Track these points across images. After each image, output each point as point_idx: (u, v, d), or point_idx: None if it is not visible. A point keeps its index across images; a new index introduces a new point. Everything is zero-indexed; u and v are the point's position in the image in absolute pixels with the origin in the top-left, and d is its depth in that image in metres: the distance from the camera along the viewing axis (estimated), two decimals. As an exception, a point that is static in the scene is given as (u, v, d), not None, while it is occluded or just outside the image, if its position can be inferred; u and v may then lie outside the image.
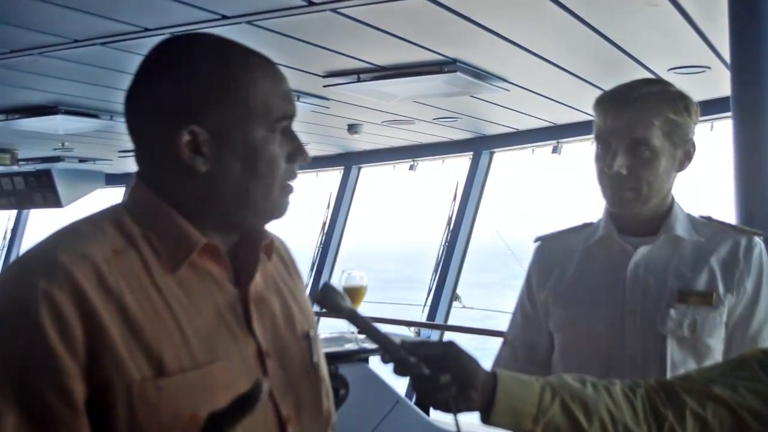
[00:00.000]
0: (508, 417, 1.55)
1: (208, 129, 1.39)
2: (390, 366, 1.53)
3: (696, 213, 2.30)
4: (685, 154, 2.20)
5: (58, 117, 6.18)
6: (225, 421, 1.18)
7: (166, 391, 1.30)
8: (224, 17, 3.86)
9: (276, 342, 1.48)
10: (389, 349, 1.50)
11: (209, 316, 1.39)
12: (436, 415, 3.76)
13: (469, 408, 1.54)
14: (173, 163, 1.40)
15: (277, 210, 1.48)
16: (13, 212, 12.34)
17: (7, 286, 1.31)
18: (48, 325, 1.24)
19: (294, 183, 1.50)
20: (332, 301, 1.48)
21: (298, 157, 1.47)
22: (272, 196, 1.45)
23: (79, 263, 1.30)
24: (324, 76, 5.32)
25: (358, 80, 5.25)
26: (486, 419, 1.56)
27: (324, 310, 1.53)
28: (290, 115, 1.46)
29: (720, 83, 4.93)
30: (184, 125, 1.38)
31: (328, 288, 1.49)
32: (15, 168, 9.56)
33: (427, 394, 1.51)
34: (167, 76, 1.42)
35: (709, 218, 2.28)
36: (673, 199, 2.25)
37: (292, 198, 1.50)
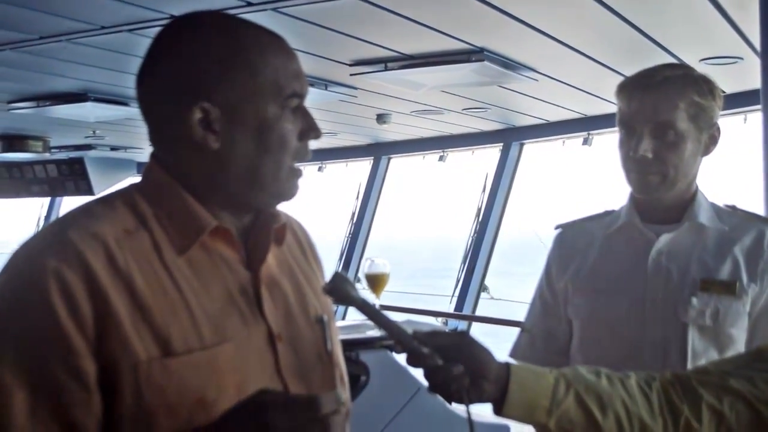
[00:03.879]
0: (522, 409, 1.53)
1: (219, 106, 1.39)
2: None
3: (721, 202, 2.26)
4: (710, 138, 2.17)
5: (88, 104, 6.22)
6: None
7: (173, 371, 1.30)
8: (249, 4, 3.85)
9: (288, 326, 1.47)
10: (401, 340, 1.48)
11: (219, 297, 1.39)
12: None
13: (482, 399, 1.52)
14: (185, 142, 1.40)
15: (286, 191, 1.47)
16: (46, 200, 12.46)
17: (19, 265, 1.32)
18: (58, 304, 1.24)
19: (303, 166, 1.48)
20: (342, 290, 1.45)
21: (310, 133, 1.46)
22: (282, 174, 1.44)
23: (90, 242, 1.30)
24: (351, 65, 5.29)
25: (386, 69, 5.22)
26: (499, 411, 1.54)
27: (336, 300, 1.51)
28: (301, 93, 1.45)
29: (753, 75, 4.84)
30: (196, 102, 1.38)
31: (339, 277, 1.46)
32: (48, 156, 9.64)
33: (439, 385, 1.49)
34: (178, 55, 1.42)
35: (733, 207, 2.24)
36: (697, 187, 2.21)
37: (301, 182, 1.49)
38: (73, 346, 1.25)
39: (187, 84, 1.40)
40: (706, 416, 1.55)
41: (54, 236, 1.34)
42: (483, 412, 1.55)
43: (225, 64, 1.39)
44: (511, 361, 1.62)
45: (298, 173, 1.47)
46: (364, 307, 1.47)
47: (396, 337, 1.48)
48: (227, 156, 1.41)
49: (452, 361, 1.47)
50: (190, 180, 1.43)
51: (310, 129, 1.46)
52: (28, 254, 1.33)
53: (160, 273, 1.35)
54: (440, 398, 1.52)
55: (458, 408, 3.83)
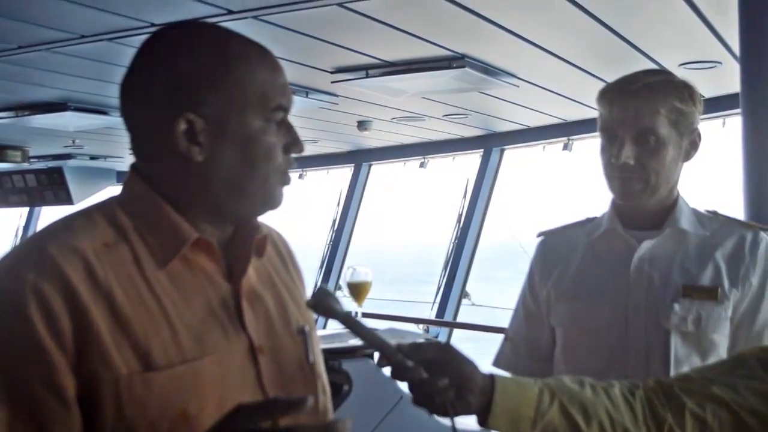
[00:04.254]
0: (506, 420, 1.52)
1: (204, 118, 1.37)
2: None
3: (702, 208, 2.27)
4: (691, 144, 2.18)
5: (68, 114, 6.19)
6: (254, 417, 1.18)
7: (154, 385, 1.29)
8: (230, 12, 3.84)
9: (270, 338, 1.46)
10: (386, 353, 1.48)
11: (200, 310, 1.38)
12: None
13: (467, 411, 1.52)
14: (169, 154, 1.39)
15: (272, 201, 1.46)
16: (25, 210, 12.38)
17: None
18: (37, 319, 1.23)
19: (290, 174, 1.48)
20: (326, 305, 1.45)
21: (293, 148, 1.46)
22: (268, 186, 1.43)
23: (69, 257, 1.29)
24: (332, 72, 5.29)
25: (367, 76, 5.22)
26: (484, 422, 1.54)
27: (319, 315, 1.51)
28: (286, 107, 1.45)
29: (732, 79, 4.86)
30: (181, 114, 1.37)
31: (323, 292, 1.46)
32: (26, 165, 9.58)
33: (424, 398, 1.49)
34: (164, 65, 1.40)
35: (714, 213, 2.25)
36: (678, 193, 2.22)
37: (286, 190, 1.48)
38: (52, 362, 1.23)
39: (172, 95, 1.38)
40: (690, 424, 1.55)
41: (32, 251, 1.33)
42: (466, 421, 1.55)
43: (211, 76, 1.38)
44: (495, 370, 1.62)
45: (285, 180, 1.47)
46: (348, 321, 1.46)
47: (380, 351, 1.48)
48: (211, 169, 1.39)
49: (437, 374, 1.47)
50: (173, 192, 1.41)
51: (294, 143, 1.45)
52: (6, 269, 1.31)
53: (140, 286, 1.33)
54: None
55: (441, 416, 3.84)
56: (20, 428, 1.22)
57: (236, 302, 1.43)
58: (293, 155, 1.47)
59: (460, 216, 8.63)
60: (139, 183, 1.43)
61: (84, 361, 1.25)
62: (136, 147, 1.46)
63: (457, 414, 1.49)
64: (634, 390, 1.60)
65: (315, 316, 1.60)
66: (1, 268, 1.32)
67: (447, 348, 1.53)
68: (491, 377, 1.54)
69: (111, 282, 1.30)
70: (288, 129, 1.45)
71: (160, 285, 1.35)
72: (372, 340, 1.47)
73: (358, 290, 3.74)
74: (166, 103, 1.39)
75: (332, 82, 5.44)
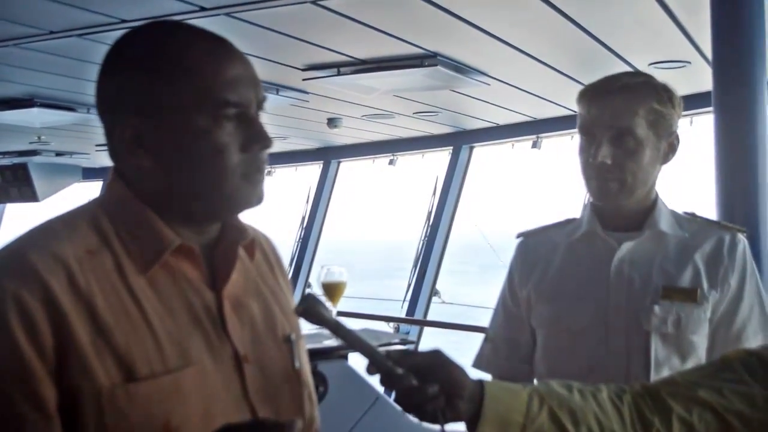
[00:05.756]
0: (496, 427, 1.51)
1: (148, 121, 1.33)
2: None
3: (680, 209, 2.28)
4: (669, 146, 2.19)
5: (35, 110, 6.12)
6: None
7: (137, 396, 1.26)
8: (202, 9, 3.82)
9: (255, 346, 1.43)
10: (376, 361, 1.45)
11: (183, 319, 1.35)
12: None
13: (457, 418, 1.50)
14: (126, 158, 1.37)
15: (239, 200, 1.40)
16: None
17: None
18: (17, 329, 1.20)
19: (261, 171, 1.40)
20: (316, 312, 1.42)
21: (254, 145, 1.37)
22: (228, 187, 1.36)
23: (50, 265, 1.26)
24: (304, 70, 5.28)
25: (338, 74, 5.22)
26: (473, 429, 1.52)
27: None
28: (238, 102, 1.36)
29: (700, 78, 4.92)
30: (124, 118, 1.34)
31: (311, 299, 1.43)
32: (-10, 162, 9.49)
33: (414, 406, 1.46)
34: (114, 68, 1.38)
35: (693, 214, 2.26)
36: (657, 194, 2.23)
37: (265, 187, 1.42)
38: (32, 373, 1.20)
39: (116, 99, 1.36)
40: (677, 427, 1.55)
41: (13, 258, 1.28)
42: (455, 427, 1.54)
43: (150, 77, 1.34)
44: (476, 371, 1.61)
45: (254, 180, 1.40)
46: (338, 329, 1.45)
47: (370, 358, 1.46)
48: (161, 173, 1.36)
49: (427, 381, 1.45)
50: (148, 196, 1.38)
51: (255, 139, 1.37)
52: None
53: (122, 295, 1.30)
54: (398, 407, 1.50)
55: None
56: None
57: (219, 310, 1.40)
58: (260, 151, 1.39)
59: (429, 214, 8.65)
60: (120, 186, 1.40)
61: (65, 372, 1.22)
62: (108, 149, 1.43)
63: (447, 421, 1.47)
64: (622, 394, 1.59)
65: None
66: None
67: (437, 354, 1.51)
68: (480, 383, 1.52)
69: (93, 290, 1.27)
70: (248, 125, 1.37)
71: (143, 293, 1.32)
72: (361, 347, 1.45)
73: (332, 291, 3.69)
74: (111, 107, 1.37)
75: (303, 80, 5.43)
